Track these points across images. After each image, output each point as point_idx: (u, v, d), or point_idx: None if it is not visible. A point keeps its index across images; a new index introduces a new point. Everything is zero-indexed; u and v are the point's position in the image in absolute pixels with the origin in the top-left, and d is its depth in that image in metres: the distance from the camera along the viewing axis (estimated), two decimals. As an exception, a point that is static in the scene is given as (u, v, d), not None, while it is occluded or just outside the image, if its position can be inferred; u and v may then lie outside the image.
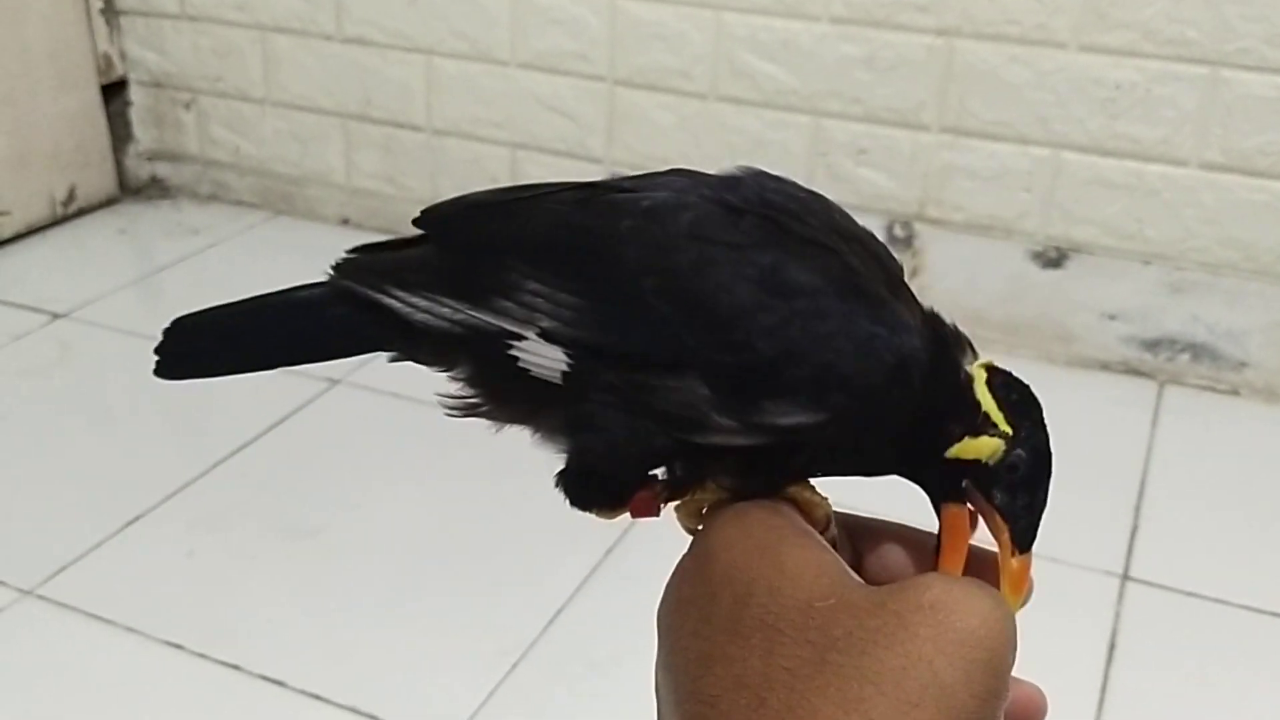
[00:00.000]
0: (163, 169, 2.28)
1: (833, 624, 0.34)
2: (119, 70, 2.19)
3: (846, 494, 0.44)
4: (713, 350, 0.38)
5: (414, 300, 0.41)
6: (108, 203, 2.21)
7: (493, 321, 0.40)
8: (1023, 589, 0.41)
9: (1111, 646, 1.21)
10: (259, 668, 1.17)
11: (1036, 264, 1.71)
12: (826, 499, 0.41)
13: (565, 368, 0.39)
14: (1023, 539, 0.41)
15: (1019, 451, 0.41)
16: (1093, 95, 1.60)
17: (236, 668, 1.17)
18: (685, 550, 0.39)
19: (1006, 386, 0.41)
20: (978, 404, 0.41)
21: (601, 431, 0.40)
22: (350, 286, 0.42)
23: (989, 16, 1.61)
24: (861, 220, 0.43)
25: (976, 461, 0.41)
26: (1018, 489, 0.41)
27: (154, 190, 2.27)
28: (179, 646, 1.19)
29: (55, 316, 1.82)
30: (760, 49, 1.74)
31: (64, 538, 1.33)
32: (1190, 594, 1.29)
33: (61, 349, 1.74)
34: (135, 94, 2.22)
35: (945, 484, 0.41)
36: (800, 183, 0.42)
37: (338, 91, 2.06)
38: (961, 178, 1.70)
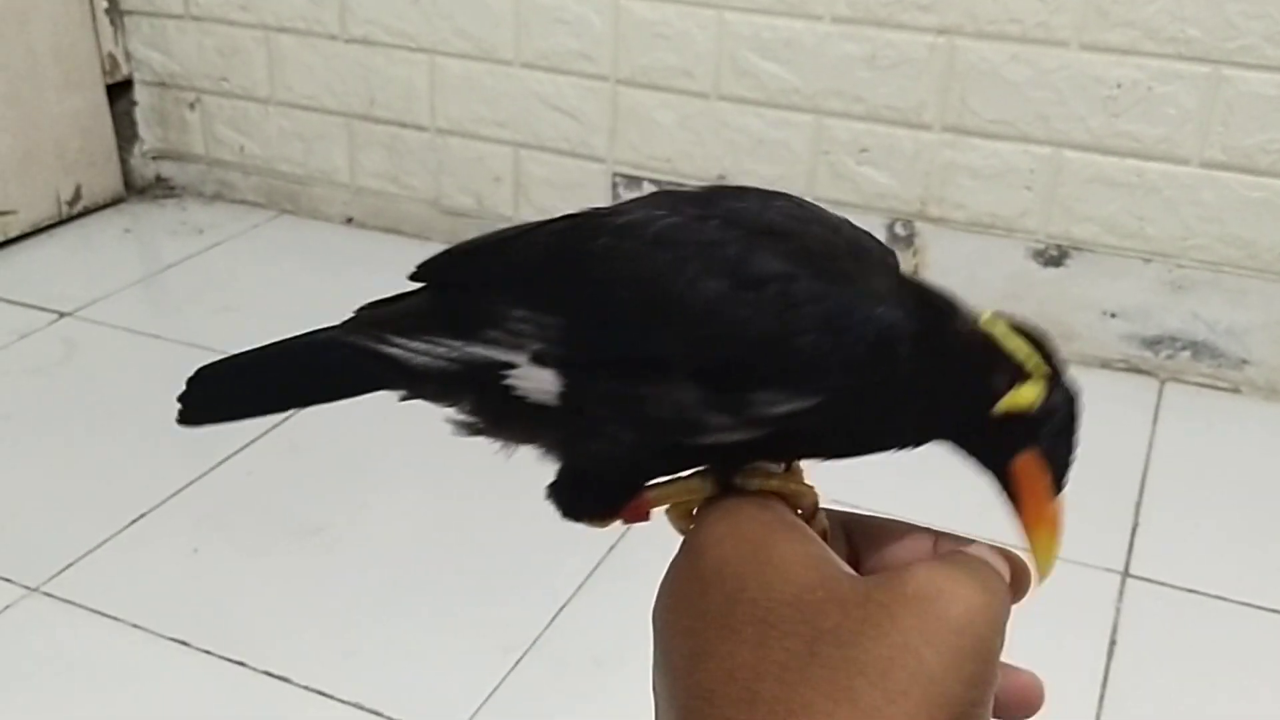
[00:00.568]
0: (168, 168, 2.28)
1: (821, 616, 0.34)
2: (124, 70, 2.20)
3: (848, 493, 0.44)
4: (695, 350, 0.39)
5: (413, 345, 0.42)
6: (113, 202, 2.22)
7: (485, 353, 0.41)
8: (1059, 535, 0.41)
9: (1112, 643, 1.22)
10: (263, 664, 1.17)
11: (1037, 262, 1.71)
12: (813, 488, 0.42)
13: (559, 389, 0.40)
14: (1060, 483, 0.42)
15: (1058, 394, 0.41)
16: (1094, 93, 1.60)
17: (241, 664, 1.18)
18: (677, 549, 0.40)
19: (1022, 330, 0.42)
20: (1009, 353, 0.41)
21: (599, 446, 0.41)
22: (354, 342, 0.44)
23: (990, 15, 1.62)
24: (863, 219, 0.43)
25: (1023, 413, 0.41)
26: (1060, 432, 0.41)
27: (159, 189, 2.28)
28: (184, 643, 1.20)
29: (61, 315, 1.83)
30: (763, 48, 1.74)
31: (69, 535, 1.34)
32: (1190, 591, 1.29)
33: (67, 347, 1.75)
34: (140, 94, 2.23)
35: (997, 443, 0.42)
36: (799, 186, 0.43)
37: (342, 91, 2.06)
38: (963, 176, 1.70)
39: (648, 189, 1.87)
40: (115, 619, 1.23)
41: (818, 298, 0.38)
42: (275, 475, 1.46)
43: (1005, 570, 0.39)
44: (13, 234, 2.05)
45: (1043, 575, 0.41)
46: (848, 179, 1.76)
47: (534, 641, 1.21)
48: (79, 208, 2.16)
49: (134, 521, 1.37)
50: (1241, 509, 1.43)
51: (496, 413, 0.43)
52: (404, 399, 0.44)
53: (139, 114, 2.25)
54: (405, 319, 0.44)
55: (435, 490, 1.45)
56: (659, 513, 0.43)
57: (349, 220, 2.16)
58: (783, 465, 0.44)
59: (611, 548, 1.33)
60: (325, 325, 0.45)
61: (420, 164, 2.06)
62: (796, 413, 0.39)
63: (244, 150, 2.19)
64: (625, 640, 1.19)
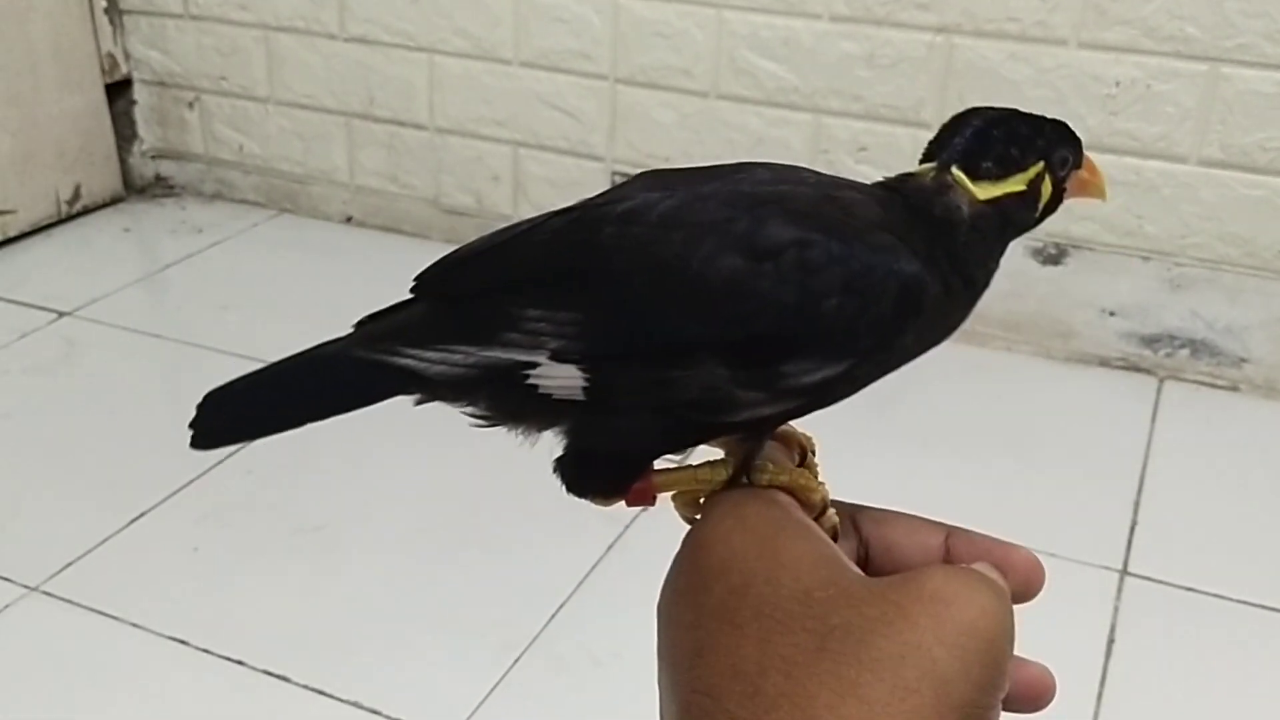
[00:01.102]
0: (167, 168, 2.28)
1: (831, 613, 0.34)
2: (123, 70, 2.20)
3: (851, 490, 0.44)
4: (716, 328, 0.39)
5: (427, 355, 0.42)
6: (113, 201, 2.22)
7: (504, 356, 0.41)
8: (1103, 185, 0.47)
9: (1110, 641, 1.22)
10: (263, 663, 1.17)
11: (1036, 260, 1.71)
12: (823, 484, 0.41)
13: (584, 383, 0.40)
14: (1081, 156, 0.46)
15: (1055, 157, 0.44)
16: (1092, 92, 1.60)
17: (241, 663, 1.18)
18: (682, 541, 0.39)
19: (975, 150, 0.43)
20: (995, 198, 0.43)
21: (625, 425, 0.41)
22: (365, 356, 0.43)
23: (989, 14, 1.62)
24: None
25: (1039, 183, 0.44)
26: (1054, 142, 0.45)
27: (158, 189, 2.28)
28: (183, 642, 1.20)
29: (61, 314, 1.83)
30: (761, 47, 1.74)
31: (69, 534, 1.34)
32: (1189, 589, 1.29)
33: (67, 346, 1.75)
34: (140, 93, 2.23)
35: (1047, 208, 0.45)
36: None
37: (341, 90, 2.06)
38: (962, 175, 1.70)
39: (647, 188, 1.86)
40: (115, 618, 1.23)
41: (836, 260, 0.38)
42: (275, 474, 1.46)
43: (1002, 580, 0.38)
44: (12, 233, 2.05)
45: (1106, 198, 0.47)
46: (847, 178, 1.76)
47: (533, 640, 1.21)
48: (78, 207, 2.16)
49: (134, 520, 1.38)
50: (1240, 507, 1.43)
51: (517, 409, 0.42)
52: (419, 403, 0.44)
53: (138, 113, 2.25)
54: (415, 330, 0.43)
55: (434, 489, 1.45)
56: (664, 498, 0.43)
57: (348, 219, 2.16)
58: (796, 455, 0.44)
59: (610, 546, 1.33)
60: (327, 340, 0.44)
61: (419, 163, 2.06)
62: (827, 380, 0.39)
63: (243, 149, 2.20)
64: (624, 639, 1.19)
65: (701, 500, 0.42)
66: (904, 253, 0.39)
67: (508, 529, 1.37)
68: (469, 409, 0.43)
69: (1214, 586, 1.29)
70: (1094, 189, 0.47)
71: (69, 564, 1.30)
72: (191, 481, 1.44)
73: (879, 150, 1.73)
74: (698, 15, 1.76)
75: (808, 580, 0.35)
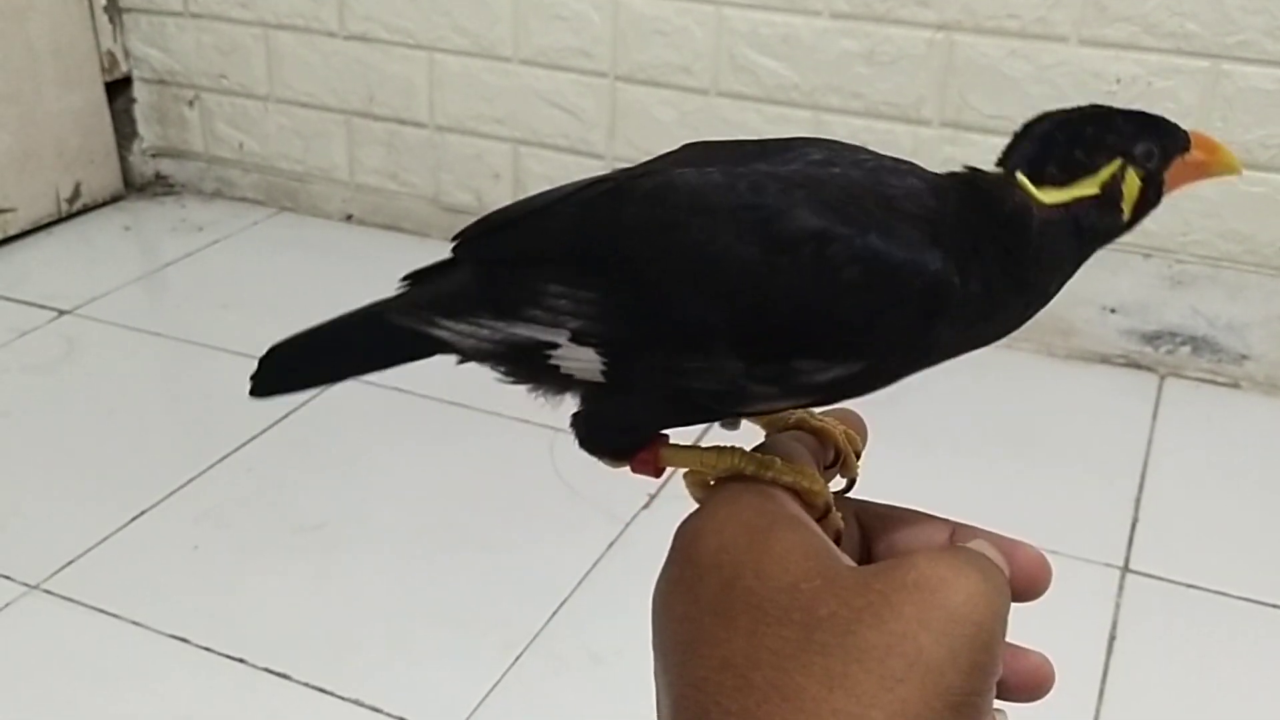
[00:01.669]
0: (167, 166, 2.28)
1: (818, 604, 0.34)
2: (123, 68, 2.20)
3: (862, 493, 0.44)
4: (729, 319, 0.38)
5: (459, 327, 0.42)
6: (112, 200, 2.22)
7: (527, 333, 0.41)
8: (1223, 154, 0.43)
9: (1112, 638, 1.22)
10: (264, 661, 1.17)
11: (1037, 258, 1.71)
12: (826, 486, 0.41)
13: (602, 367, 0.40)
14: (1183, 138, 0.43)
15: (1136, 151, 0.42)
16: (1093, 89, 1.60)
17: (241, 661, 1.18)
18: (675, 533, 0.39)
19: (1040, 156, 0.41)
20: (1063, 204, 0.41)
21: (642, 406, 0.41)
22: (405, 325, 0.44)
23: (989, 10, 1.61)
24: None
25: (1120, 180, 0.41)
26: (1133, 137, 0.42)
27: (158, 187, 2.28)
28: (184, 640, 1.20)
29: (61, 313, 1.83)
30: (761, 44, 1.74)
31: (70, 532, 1.34)
32: (1190, 586, 1.29)
33: (67, 345, 1.75)
34: (139, 91, 2.23)
35: (1144, 207, 0.42)
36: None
37: (341, 88, 2.06)
38: (962, 172, 1.70)
39: (647, 185, 1.86)
40: (115, 616, 1.23)
41: (856, 256, 0.37)
42: (276, 472, 1.46)
43: (1004, 563, 0.38)
44: (12, 232, 2.05)
45: (1239, 171, 0.43)
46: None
47: (533, 638, 1.21)
48: (78, 205, 2.16)
49: (134, 519, 1.38)
50: (1241, 504, 1.43)
51: (542, 379, 0.43)
52: (460, 362, 0.45)
53: (138, 111, 2.25)
54: (450, 300, 0.44)
55: (435, 487, 1.45)
56: (669, 472, 0.43)
57: (348, 217, 2.16)
58: (830, 453, 0.44)
59: (611, 544, 1.33)
60: (377, 301, 0.46)
61: (419, 161, 2.05)
62: (839, 380, 0.38)
63: (243, 147, 2.19)
64: (624, 637, 1.19)
65: (710, 483, 0.42)
66: (931, 250, 0.38)
67: (508, 527, 1.37)
68: (499, 371, 0.44)
69: (1215, 583, 1.29)
70: (1217, 167, 0.43)
71: (69, 562, 1.30)
72: (192, 480, 1.44)
73: (879, 148, 1.72)
74: (697, 12, 1.76)
75: (795, 572, 0.35)
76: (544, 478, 1.36)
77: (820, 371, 0.38)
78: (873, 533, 0.42)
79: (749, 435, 0.44)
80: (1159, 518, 1.40)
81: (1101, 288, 1.70)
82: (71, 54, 2.10)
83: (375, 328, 0.45)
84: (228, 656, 1.18)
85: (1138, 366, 1.71)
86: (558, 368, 0.41)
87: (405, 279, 0.46)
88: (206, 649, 1.19)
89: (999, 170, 0.42)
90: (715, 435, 0.44)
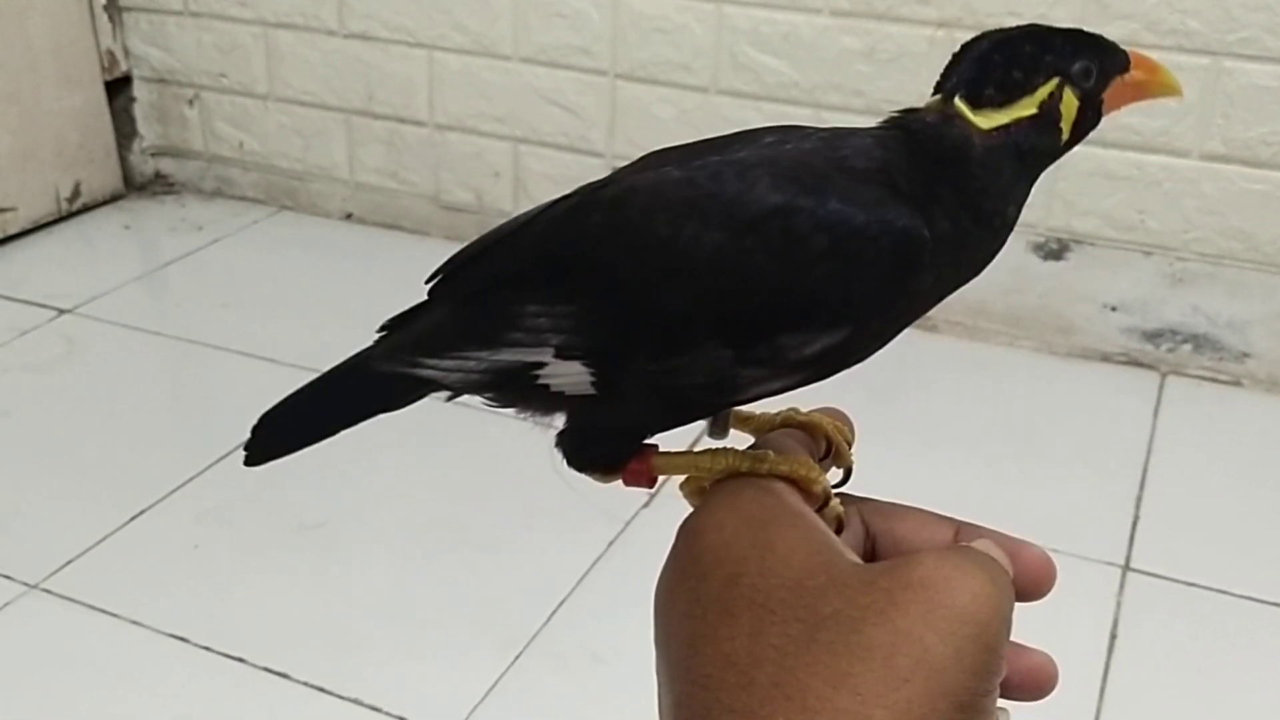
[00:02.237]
0: (167, 165, 2.28)
1: (822, 602, 0.34)
2: (123, 67, 2.20)
3: (853, 485, 0.44)
4: (710, 308, 0.38)
5: (444, 364, 0.42)
6: (112, 199, 2.22)
7: (512, 358, 0.41)
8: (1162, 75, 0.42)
9: (1113, 637, 1.22)
10: (263, 660, 1.17)
11: (1038, 255, 1.71)
12: (824, 475, 0.41)
13: (591, 378, 0.40)
14: (1122, 58, 0.42)
15: (1073, 70, 0.41)
16: (1094, 86, 1.60)
17: (241, 660, 1.17)
18: (677, 531, 0.39)
19: (977, 78, 0.41)
20: (1002, 126, 0.40)
21: (636, 411, 0.41)
22: (389, 370, 0.44)
23: (990, 8, 1.61)
24: None
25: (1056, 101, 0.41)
26: (1069, 55, 0.42)
27: (158, 186, 2.28)
28: (183, 639, 1.20)
29: (61, 312, 1.83)
30: (761, 42, 1.74)
31: (70, 532, 1.34)
32: (1191, 584, 1.29)
33: (67, 344, 1.75)
34: (139, 90, 2.23)
35: (1081, 128, 0.42)
36: None
37: (340, 87, 2.06)
38: (963, 170, 1.70)
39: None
40: (115, 615, 1.23)
41: (821, 225, 0.37)
42: (275, 471, 1.44)
43: (1008, 563, 0.38)
44: (12, 231, 2.05)
45: (1180, 93, 0.43)
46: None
47: (533, 637, 1.21)
48: (78, 204, 2.16)
49: (134, 518, 1.37)
50: (1243, 502, 1.43)
51: (534, 402, 0.43)
52: (450, 398, 0.44)
53: (138, 110, 2.24)
54: (431, 338, 0.43)
55: (435, 487, 1.44)
56: (663, 481, 0.43)
57: (348, 216, 2.15)
58: (821, 445, 0.44)
59: (610, 544, 1.33)
60: (356, 353, 0.46)
61: (419, 159, 2.05)
62: (829, 348, 0.38)
63: (243, 146, 2.19)
64: (624, 636, 1.19)
65: (707, 486, 0.41)
66: (896, 205, 0.38)
67: (508, 526, 1.37)
68: (488, 398, 0.44)
69: (1216, 582, 1.29)
70: (1156, 87, 0.43)
71: (69, 561, 1.30)
72: (191, 479, 1.44)
73: (880, 145, 1.72)
74: (697, 10, 1.76)
75: (799, 569, 0.35)
76: (543, 477, 1.36)
77: (808, 344, 0.38)
78: (877, 530, 0.42)
79: (736, 442, 0.44)
80: (1160, 516, 1.40)
81: (1102, 285, 1.70)
82: (71, 53, 2.09)
83: (361, 378, 0.45)
84: (227, 656, 1.18)
85: (1139, 364, 1.71)
86: (548, 386, 0.41)
87: (383, 327, 0.46)
88: (206, 648, 1.19)
89: (936, 99, 0.41)
90: (705, 444, 0.44)
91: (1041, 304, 1.73)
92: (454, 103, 1.98)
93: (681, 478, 0.43)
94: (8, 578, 1.27)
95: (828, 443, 0.44)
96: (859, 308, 0.38)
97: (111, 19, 2.15)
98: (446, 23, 1.93)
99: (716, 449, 0.41)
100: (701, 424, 0.45)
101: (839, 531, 0.40)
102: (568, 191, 0.44)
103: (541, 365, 0.40)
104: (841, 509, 0.41)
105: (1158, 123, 1.59)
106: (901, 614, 0.33)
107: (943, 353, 1.71)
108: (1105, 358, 1.73)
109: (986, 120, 0.40)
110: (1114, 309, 1.71)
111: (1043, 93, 0.41)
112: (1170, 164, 1.60)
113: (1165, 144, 1.60)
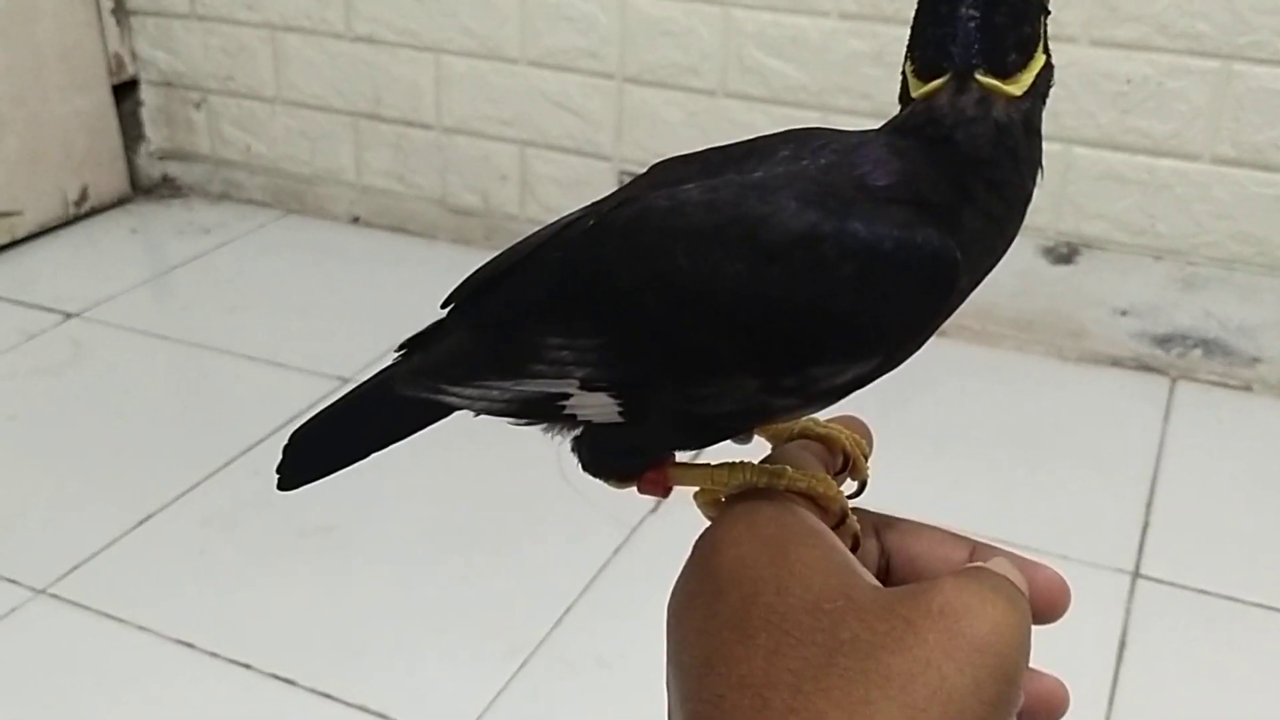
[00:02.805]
0: (174, 168, 2.28)
1: (840, 626, 0.33)
2: (130, 70, 2.20)
3: (871, 497, 0.43)
4: (737, 340, 0.37)
5: (468, 392, 0.42)
6: (119, 202, 2.22)
7: (536, 389, 0.40)
8: None
9: (1122, 645, 1.21)
10: (269, 666, 1.17)
11: (1047, 259, 1.70)
12: (842, 492, 0.40)
13: (619, 408, 0.39)
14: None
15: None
16: (1104, 90, 1.59)
17: (247, 666, 1.17)
18: (694, 545, 0.39)
19: (992, 45, 0.36)
20: (1029, 88, 0.37)
21: (660, 432, 0.40)
22: (413, 395, 0.44)
23: (999, 11, 1.60)
24: None
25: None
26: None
27: (165, 189, 2.28)
28: (190, 645, 1.20)
29: (68, 316, 1.83)
30: (769, 45, 1.73)
31: (76, 536, 1.34)
32: (1202, 591, 1.28)
33: (74, 348, 1.75)
34: (146, 94, 2.23)
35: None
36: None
37: (348, 90, 2.06)
38: (972, 173, 1.69)
39: (654, 187, 1.86)
40: (121, 620, 1.22)
41: (848, 253, 0.35)
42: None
43: (1024, 584, 0.37)
44: (19, 234, 2.05)
45: None
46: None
47: (540, 644, 1.20)
48: (85, 208, 2.16)
49: (141, 523, 1.37)
50: (1254, 508, 1.42)
51: (566, 425, 0.42)
52: (476, 415, 0.44)
53: (145, 114, 2.25)
54: (453, 366, 0.43)
55: (442, 491, 1.44)
56: (678, 490, 0.42)
57: (355, 219, 2.15)
58: (838, 460, 0.43)
59: (617, 549, 1.32)
60: (377, 373, 0.46)
61: (426, 162, 2.05)
62: (862, 376, 0.38)
63: (250, 149, 2.19)
64: (631, 643, 1.18)
65: (722, 499, 0.41)
66: (924, 226, 0.35)
67: (514, 531, 1.37)
68: (516, 422, 0.43)
69: (1227, 589, 1.28)
70: None
71: (76, 566, 1.30)
72: (199, 484, 1.44)
73: (888, 149, 1.71)
74: (705, 13, 1.76)
75: (818, 590, 0.34)
76: (550, 482, 1.36)
77: (839, 374, 0.37)
78: (892, 547, 0.42)
79: (759, 448, 0.44)
80: (1170, 522, 1.39)
81: (1112, 290, 1.69)
82: (79, 56, 2.10)
83: (386, 402, 0.45)
84: (233, 662, 1.18)
85: (1149, 369, 1.70)
86: (574, 416, 0.40)
87: (402, 346, 0.46)
88: (212, 654, 1.18)
89: (945, 80, 0.36)
90: (724, 449, 0.43)
91: (1051, 308, 1.72)
92: (461, 106, 1.98)
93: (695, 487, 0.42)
94: (15, 582, 1.27)
95: (845, 455, 0.44)
96: (891, 336, 0.37)
97: (119, 22, 2.16)
98: (453, 26, 1.93)
99: (734, 463, 0.41)
100: None
101: (855, 548, 0.40)
102: (582, 207, 0.43)
103: (566, 396, 0.40)
104: (858, 526, 0.41)
105: (1168, 126, 1.58)
106: (920, 642, 0.32)
107: (952, 357, 1.71)
108: (1115, 362, 1.72)
109: (1018, 86, 0.36)
110: (1124, 313, 1.70)
111: (1045, 34, 0.38)
112: (1181, 168, 1.60)
113: (1176, 147, 1.59)
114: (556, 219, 0.44)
